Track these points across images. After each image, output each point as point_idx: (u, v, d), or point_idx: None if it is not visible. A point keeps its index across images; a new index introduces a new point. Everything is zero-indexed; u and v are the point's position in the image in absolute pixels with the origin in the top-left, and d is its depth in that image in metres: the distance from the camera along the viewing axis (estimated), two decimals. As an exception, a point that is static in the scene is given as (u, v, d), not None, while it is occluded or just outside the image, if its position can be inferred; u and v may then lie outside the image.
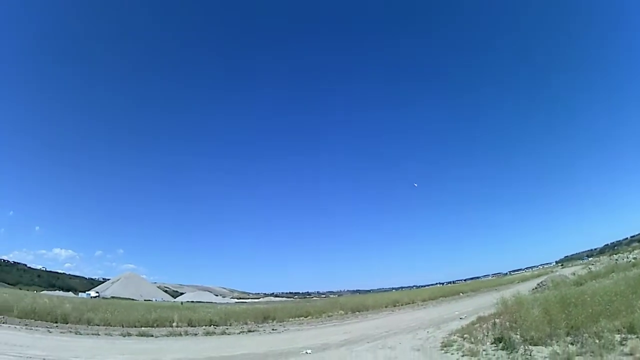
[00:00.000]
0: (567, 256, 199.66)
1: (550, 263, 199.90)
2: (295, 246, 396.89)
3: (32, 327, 29.37)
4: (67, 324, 32.92)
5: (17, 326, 29.08)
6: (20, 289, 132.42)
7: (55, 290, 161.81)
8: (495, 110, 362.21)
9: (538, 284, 47.49)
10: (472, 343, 17.30)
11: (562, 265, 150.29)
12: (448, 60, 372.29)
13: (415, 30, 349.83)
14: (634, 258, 58.35)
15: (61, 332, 28.73)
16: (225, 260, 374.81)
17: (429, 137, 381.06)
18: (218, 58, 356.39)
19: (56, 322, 32.84)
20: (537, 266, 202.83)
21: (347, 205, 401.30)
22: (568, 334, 14.31)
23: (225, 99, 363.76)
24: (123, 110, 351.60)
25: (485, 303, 36.40)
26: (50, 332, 28.17)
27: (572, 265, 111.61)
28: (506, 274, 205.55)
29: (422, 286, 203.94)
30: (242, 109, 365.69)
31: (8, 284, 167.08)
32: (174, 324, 36.43)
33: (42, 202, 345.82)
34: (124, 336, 29.55)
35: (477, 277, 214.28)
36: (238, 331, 34.74)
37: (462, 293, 76.17)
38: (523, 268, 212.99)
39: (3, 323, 29.62)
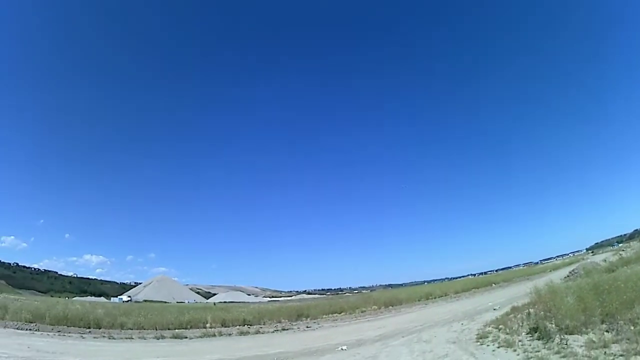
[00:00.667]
0: (597, 243, 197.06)
1: (581, 250, 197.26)
2: (326, 243, 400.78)
3: (65, 334, 29.71)
4: (100, 329, 33.29)
5: (50, 333, 29.48)
6: (51, 296, 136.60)
7: (86, 296, 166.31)
8: (520, 96, 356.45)
9: (570, 272, 47.37)
10: (507, 334, 17.86)
11: (592, 252, 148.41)
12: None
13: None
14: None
15: (94, 338, 29.32)
16: (256, 260, 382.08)
17: (454, 126, 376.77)
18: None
19: (89, 328, 33.09)
20: (568, 254, 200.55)
21: (376, 199, 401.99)
22: (603, 322, 14.69)
23: (242, 96, 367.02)
24: (147, 114, 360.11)
25: (518, 293, 36.74)
26: (83, 338, 28.70)
27: (602, 252, 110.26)
28: (537, 263, 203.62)
29: (454, 278, 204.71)
30: (263, 106, 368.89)
31: (39, 291, 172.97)
32: (208, 325, 37.22)
33: (72, 209, 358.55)
34: (158, 339, 30.37)
35: (509, 267, 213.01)
36: (272, 330, 35.68)
37: (495, 284, 76.19)
38: (554, 256, 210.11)
39: (36, 330, 29.93)
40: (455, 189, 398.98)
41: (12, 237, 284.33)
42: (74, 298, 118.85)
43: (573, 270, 47.49)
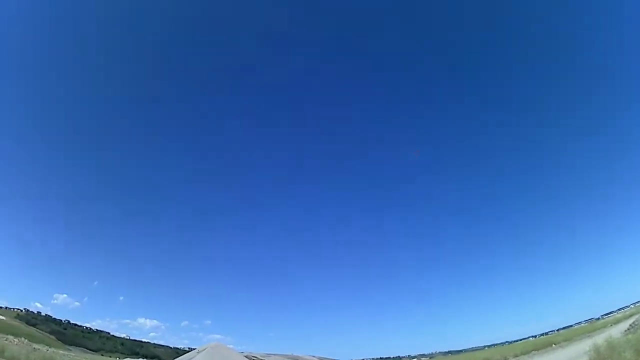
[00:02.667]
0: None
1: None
2: (386, 308, 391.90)
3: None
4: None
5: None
6: (102, 355, 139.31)
7: (138, 358, 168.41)
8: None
9: (630, 325, 45.89)
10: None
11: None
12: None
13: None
14: None
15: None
16: (314, 327, 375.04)
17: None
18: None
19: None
20: (629, 305, 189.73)
21: (434, 261, 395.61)
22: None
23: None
24: (196, 179, 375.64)
25: (577, 351, 35.98)
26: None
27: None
28: (599, 318, 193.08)
29: (515, 341, 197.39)
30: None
31: (90, 349, 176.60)
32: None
33: (127, 273, 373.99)
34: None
35: (570, 326, 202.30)
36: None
37: (555, 344, 73.24)
38: (615, 310, 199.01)
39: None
40: (510, 249, 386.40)
41: (65, 295, 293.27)
42: (125, 359, 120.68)
43: (633, 323, 46.19)
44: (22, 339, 70.09)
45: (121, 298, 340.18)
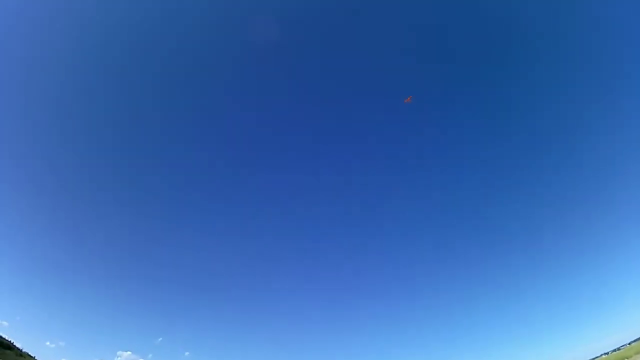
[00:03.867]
0: None
1: None
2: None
3: None
4: None
5: None
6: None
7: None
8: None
9: None
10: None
11: None
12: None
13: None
14: None
15: None
16: None
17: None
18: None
19: None
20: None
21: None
22: None
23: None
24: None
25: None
26: None
27: None
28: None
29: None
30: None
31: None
32: None
33: (192, 328, 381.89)
34: None
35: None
36: None
37: (627, 358, 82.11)
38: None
39: None
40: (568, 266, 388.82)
41: (129, 352, 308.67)
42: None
43: None
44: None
45: (187, 353, 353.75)
